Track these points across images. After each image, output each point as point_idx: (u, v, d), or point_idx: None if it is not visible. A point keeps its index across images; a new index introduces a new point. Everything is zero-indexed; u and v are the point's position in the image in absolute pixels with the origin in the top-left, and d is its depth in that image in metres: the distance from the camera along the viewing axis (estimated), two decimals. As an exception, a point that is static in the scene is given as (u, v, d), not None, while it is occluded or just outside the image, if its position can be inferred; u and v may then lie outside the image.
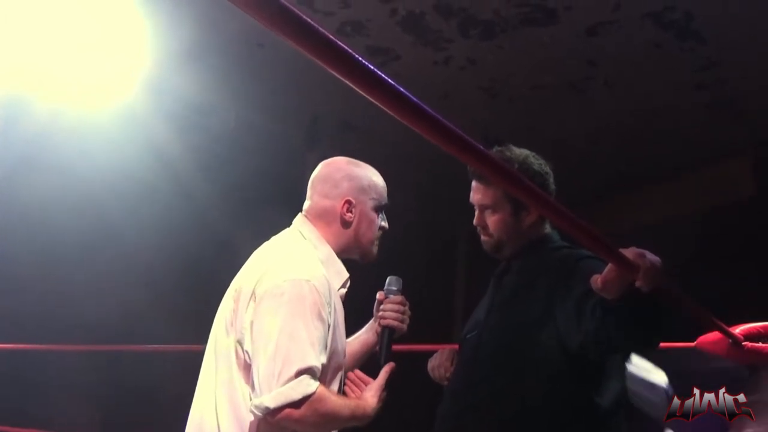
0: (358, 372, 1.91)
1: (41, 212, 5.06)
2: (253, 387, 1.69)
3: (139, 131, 5.25)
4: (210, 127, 5.67)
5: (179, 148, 5.51)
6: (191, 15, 4.52)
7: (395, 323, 2.02)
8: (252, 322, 1.73)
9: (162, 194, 5.74)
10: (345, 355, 1.92)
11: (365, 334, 2.12)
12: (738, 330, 2.12)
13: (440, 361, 2.11)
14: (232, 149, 5.91)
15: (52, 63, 4.47)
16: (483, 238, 2.08)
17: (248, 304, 1.75)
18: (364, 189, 1.96)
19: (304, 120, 5.70)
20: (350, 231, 1.94)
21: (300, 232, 1.93)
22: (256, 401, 1.66)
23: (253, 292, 1.75)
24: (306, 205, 1.98)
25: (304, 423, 1.67)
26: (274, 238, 1.96)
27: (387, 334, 2.01)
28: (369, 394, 1.83)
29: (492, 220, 2.04)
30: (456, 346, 2.15)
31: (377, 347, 2.05)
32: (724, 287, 4.59)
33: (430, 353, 2.18)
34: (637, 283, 1.44)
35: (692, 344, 2.36)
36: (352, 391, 1.86)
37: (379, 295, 2.08)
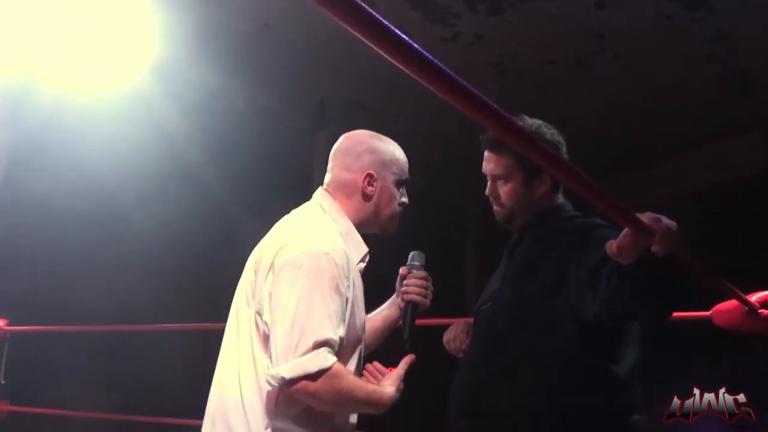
0: (376, 364, 1.90)
1: (50, 197, 5.07)
2: (271, 358, 1.69)
3: (147, 115, 5.25)
4: (218, 110, 5.67)
5: (187, 132, 5.52)
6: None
7: (419, 298, 2.01)
8: (270, 294, 1.73)
9: (170, 178, 5.75)
10: (364, 330, 1.91)
11: (387, 310, 2.11)
12: (754, 297, 2.11)
13: (455, 334, 2.10)
14: (241, 132, 5.91)
15: (61, 48, 4.46)
16: (495, 208, 2.07)
17: (267, 276, 1.75)
18: (385, 163, 1.95)
19: (312, 101, 5.68)
20: (370, 205, 1.93)
21: (320, 205, 1.92)
22: (273, 371, 1.66)
23: (272, 264, 1.75)
24: (327, 177, 1.97)
25: (319, 397, 1.67)
26: (294, 211, 1.95)
27: (410, 309, 2.01)
28: (387, 383, 1.82)
29: (504, 189, 2.02)
30: (471, 320, 2.15)
31: (400, 322, 2.05)
32: (736, 261, 4.57)
33: (446, 327, 2.17)
34: (653, 248, 1.43)
35: (708, 313, 2.35)
36: (370, 382, 1.85)
37: (402, 270, 2.07)
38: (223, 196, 5.91)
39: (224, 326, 1.89)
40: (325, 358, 1.66)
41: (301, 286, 1.69)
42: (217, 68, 5.17)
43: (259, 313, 1.75)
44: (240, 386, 1.74)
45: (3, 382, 3.70)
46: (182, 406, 3.29)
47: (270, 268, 1.75)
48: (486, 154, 2.05)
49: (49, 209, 5.13)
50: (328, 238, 1.80)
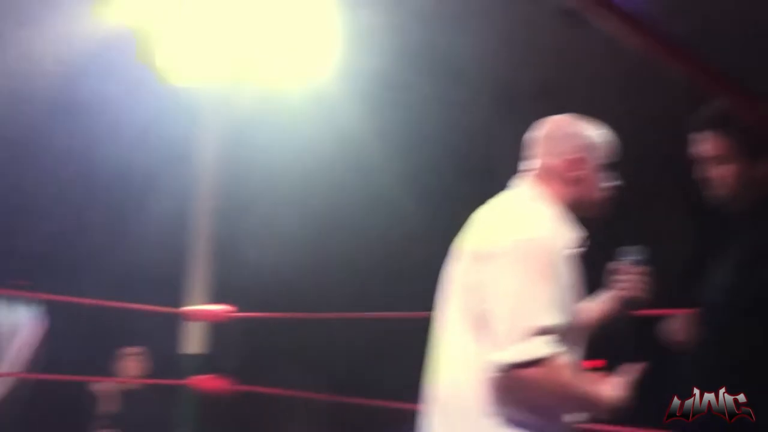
0: (601, 371, 1.84)
1: (259, 190, 5.36)
2: (490, 345, 1.68)
3: (331, 111, 5.39)
4: (403, 103, 5.74)
5: (370, 126, 5.62)
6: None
7: (637, 294, 1.96)
8: (487, 282, 1.72)
9: (361, 181, 5.89)
10: (582, 319, 1.87)
11: (603, 303, 2.04)
12: None
13: (678, 326, 2.00)
14: (424, 123, 5.95)
15: (255, 52, 4.68)
16: (715, 192, 1.94)
17: (481, 264, 1.74)
18: (591, 147, 1.90)
19: (500, 90, 5.62)
20: (579, 189, 1.88)
21: (528, 191, 1.89)
22: (494, 357, 1.65)
23: (486, 252, 1.74)
24: (531, 164, 1.94)
25: (537, 386, 1.64)
26: (500, 198, 1.92)
27: (627, 305, 1.97)
28: (610, 387, 1.73)
29: (726, 172, 1.89)
30: (693, 311, 2.02)
31: (616, 316, 2.00)
32: None
33: (662, 319, 2.08)
34: None
35: None
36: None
37: (619, 264, 2.01)
38: (411, 188, 5.98)
39: (431, 315, 1.90)
40: (548, 346, 1.63)
41: (519, 274, 1.67)
42: (403, 63, 5.24)
43: (474, 302, 1.74)
44: (462, 373, 1.74)
45: (232, 363, 3.96)
46: (392, 391, 3.38)
47: (483, 256, 1.74)
48: (704, 133, 1.92)
49: (260, 202, 5.43)
50: (542, 223, 1.77)
